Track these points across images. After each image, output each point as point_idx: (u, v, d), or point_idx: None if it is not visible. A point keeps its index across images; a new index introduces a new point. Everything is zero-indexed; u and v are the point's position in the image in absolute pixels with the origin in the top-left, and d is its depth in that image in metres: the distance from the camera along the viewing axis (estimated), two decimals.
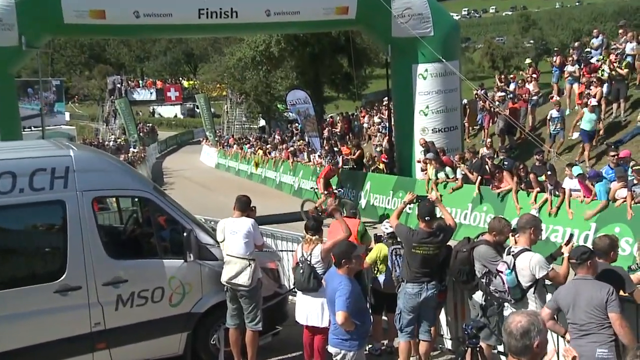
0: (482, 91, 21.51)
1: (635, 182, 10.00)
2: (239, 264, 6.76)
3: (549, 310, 5.02)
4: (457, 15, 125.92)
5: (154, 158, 40.92)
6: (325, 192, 15.25)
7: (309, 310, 6.67)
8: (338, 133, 26.14)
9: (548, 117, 15.95)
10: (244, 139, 36.82)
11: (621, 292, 5.29)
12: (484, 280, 6.20)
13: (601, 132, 15.25)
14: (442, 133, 15.81)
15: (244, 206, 7.09)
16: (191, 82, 65.96)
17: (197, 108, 51.26)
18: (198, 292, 6.95)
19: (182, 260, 6.78)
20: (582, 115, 14.76)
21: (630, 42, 16.73)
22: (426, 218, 6.53)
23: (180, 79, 70.83)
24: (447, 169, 13.87)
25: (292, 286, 7.61)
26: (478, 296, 6.45)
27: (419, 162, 15.25)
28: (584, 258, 4.94)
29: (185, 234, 6.73)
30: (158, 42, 75.38)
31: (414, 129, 15.84)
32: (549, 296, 5.97)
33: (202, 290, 6.96)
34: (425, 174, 14.47)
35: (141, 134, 43.90)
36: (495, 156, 15.26)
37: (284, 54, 35.54)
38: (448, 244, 6.83)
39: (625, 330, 4.55)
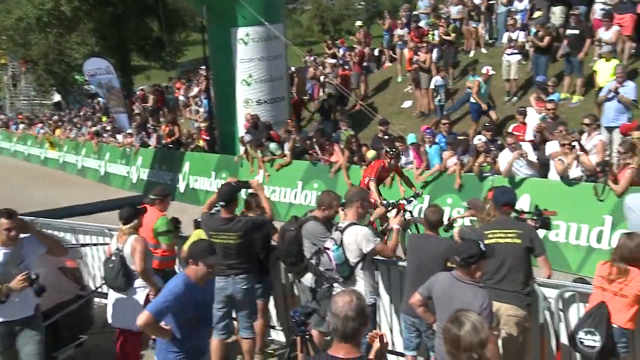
0: (311, 58, 22.17)
1: (462, 151, 11.05)
2: None
3: (420, 296, 5.23)
4: None
5: None
6: (383, 202, 9.83)
7: (120, 311, 6.56)
8: (150, 108, 25.42)
9: (432, 86, 15.87)
10: (35, 118, 34.32)
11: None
12: (313, 261, 6.45)
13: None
14: (268, 105, 16.12)
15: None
16: None
17: None
18: None
19: None
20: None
21: (455, 6, 18.31)
22: (221, 203, 6.61)
23: None
24: (272, 144, 14.15)
25: (97, 286, 7.36)
26: (307, 279, 6.69)
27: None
28: (469, 262, 4.90)
29: None
30: None
31: (237, 101, 15.97)
32: (378, 273, 6.46)
33: None
34: (245, 154, 14.62)
35: None
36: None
37: (78, 15, 33.42)
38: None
39: (494, 347, 4.83)
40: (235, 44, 15.62)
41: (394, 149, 10.46)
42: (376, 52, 21.29)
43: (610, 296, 5.32)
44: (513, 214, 6.23)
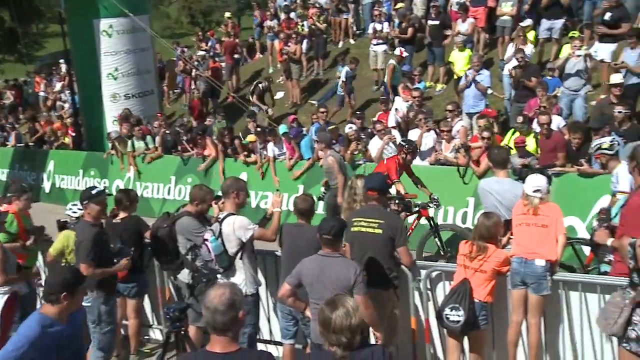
0: (180, 50, 21.78)
1: (334, 141, 11.29)
2: None
3: (289, 286, 5.27)
4: None
5: None
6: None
7: None
8: (7, 104, 23.99)
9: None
10: None
11: None
12: (189, 257, 6.43)
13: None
14: (137, 99, 15.71)
15: None
16: None
17: None
18: None
19: None
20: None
21: None
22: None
23: None
24: (148, 137, 13.79)
25: None
26: (184, 275, 6.62)
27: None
28: (340, 234, 5.15)
29: None
30: None
31: (103, 96, 15.44)
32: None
33: None
34: (113, 150, 14.13)
35: None
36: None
37: None
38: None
39: (369, 312, 5.06)
40: (99, 36, 15.04)
41: (409, 142, 9.26)
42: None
43: (472, 273, 5.69)
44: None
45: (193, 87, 19.32)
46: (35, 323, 4.18)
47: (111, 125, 15.14)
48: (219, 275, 6.15)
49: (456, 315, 5.61)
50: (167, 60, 22.00)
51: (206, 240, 6.01)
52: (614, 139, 7.80)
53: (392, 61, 14.10)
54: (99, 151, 14.98)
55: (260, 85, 16.42)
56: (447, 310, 5.67)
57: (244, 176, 11.82)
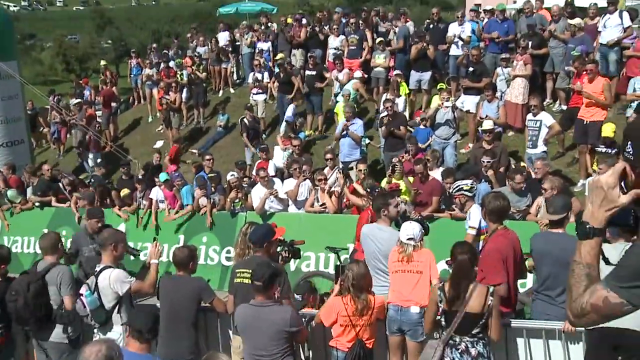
0: (54, 98, 20.96)
1: (212, 190, 11.20)
2: None
3: None
4: (14, 7, 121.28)
5: None
6: None
7: None
8: None
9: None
10: None
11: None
12: (62, 311, 6.12)
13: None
14: (6, 148, 15.02)
15: None
16: None
17: None
18: None
19: None
20: None
21: (202, 46, 18.79)
22: None
23: None
24: (10, 191, 12.99)
25: None
26: (57, 335, 6.20)
27: None
28: (270, 281, 5.08)
29: None
30: None
31: None
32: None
33: None
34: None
35: None
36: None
37: None
38: None
39: (305, 335, 5.20)
40: None
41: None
42: None
43: (360, 328, 5.55)
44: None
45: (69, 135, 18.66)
46: None
47: None
48: (95, 331, 5.90)
49: None
50: (40, 107, 21.09)
51: (81, 295, 5.79)
52: (474, 181, 8.20)
53: (356, 81, 14.15)
54: None
55: (245, 120, 14.29)
56: None
57: (122, 227, 11.46)
